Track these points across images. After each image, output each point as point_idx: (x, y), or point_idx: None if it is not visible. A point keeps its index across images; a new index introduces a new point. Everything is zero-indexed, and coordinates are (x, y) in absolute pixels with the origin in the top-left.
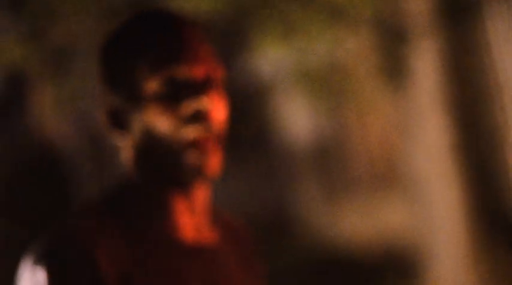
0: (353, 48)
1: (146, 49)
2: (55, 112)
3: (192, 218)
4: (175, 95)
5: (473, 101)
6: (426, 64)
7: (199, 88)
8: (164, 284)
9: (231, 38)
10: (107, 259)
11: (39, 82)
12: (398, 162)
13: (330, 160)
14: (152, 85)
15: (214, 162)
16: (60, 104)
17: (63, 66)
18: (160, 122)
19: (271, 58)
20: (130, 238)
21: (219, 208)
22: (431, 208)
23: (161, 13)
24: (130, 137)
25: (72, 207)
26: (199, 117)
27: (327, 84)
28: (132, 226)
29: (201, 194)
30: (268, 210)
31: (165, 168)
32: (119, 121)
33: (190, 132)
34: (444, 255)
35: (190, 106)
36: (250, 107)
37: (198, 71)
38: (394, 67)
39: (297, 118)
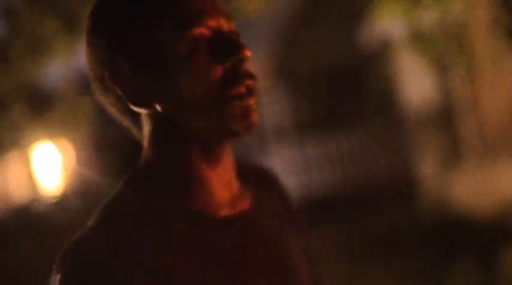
0: (472, 4)
1: (172, 7)
2: None
3: (226, 190)
4: (216, 50)
5: None
6: None
7: (237, 40)
8: (204, 269)
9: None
10: (129, 262)
11: None
12: None
13: (452, 123)
14: (188, 44)
15: (257, 115)
16: None
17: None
18: (206, 80)
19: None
20: (160, 232)
21: (241, 158)
22: None
23: None
24: (155, 111)
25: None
26: (243, 72)
27: (445, 44)
28: (166, 215)
29: (230, 161)
30: (390, 172)
31: (216, 125)
32: (144, 93)
33: (237, 86)
34: None
35: (235, 60)
36: (374, 66)
37: (228, 25)
38: None
39: (419, 80)
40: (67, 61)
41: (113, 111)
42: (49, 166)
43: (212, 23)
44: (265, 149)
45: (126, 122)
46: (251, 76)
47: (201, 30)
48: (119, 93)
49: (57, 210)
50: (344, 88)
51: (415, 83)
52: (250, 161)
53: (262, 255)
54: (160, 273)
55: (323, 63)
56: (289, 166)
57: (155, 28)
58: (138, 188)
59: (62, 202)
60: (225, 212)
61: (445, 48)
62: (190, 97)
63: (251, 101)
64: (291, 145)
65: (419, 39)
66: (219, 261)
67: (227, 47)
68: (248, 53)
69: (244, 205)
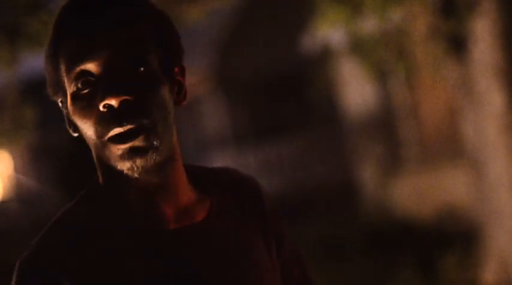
0: (412, 11)
1: (61, 44)
2: None
3: (170, 202)
4: (90, 93)
5: None
6: (486, 27)
7: (106, 81)
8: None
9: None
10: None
11: None
12: (461, 128)
13: (392, 129)
14: (72, 84)
15: (139, 158)
16: None
17: None
18: (85, 123)
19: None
20: (110, 244)
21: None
22: (491, 179)
23: None
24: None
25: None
26: (116, 115)
27: (385, 51)
28: (107, 229)
29: (172, 179)
30: (331, 178)
31: (108, 166)
32: (70, 126)
33: (110, 130)
34: (500, 225)
35: (105, 105)
36: (315, 74)
37: (110, 62)
38: (454, 29)
39: (360, 87)
40: (9, 71)
41: None
42: None
43: (92, 64)
44: (205, 157)
45: None
46: (120, 121)
47: (79, 72)
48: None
49: None
50: (284, 95)
51: (356, 90)
52: (232, 173)
53: (209, 268)
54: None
55: (263, 71)
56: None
57: (59, 64)
58: (84, 206)
59: (1, 208)
60: (171, 226)
61: (385, 55)
62: (85, 137)
63: (123, 147)
64: (231, 153)
65: (360, 47)
66: (164, 273)
67: (99, 90)
68: (110, 100)
69: (197, 217)
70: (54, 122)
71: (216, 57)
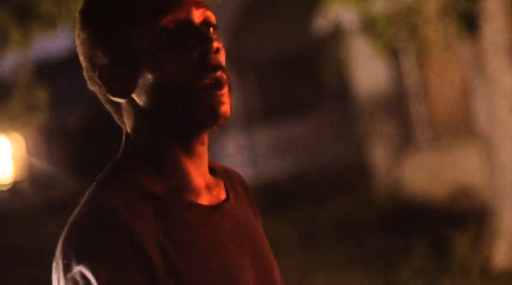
0: None
1: (142, 1)
2: None
3: (202, 178)
4: (183, 42)
5: None
6: (497, 6)
7: (208, 31)
8: (199, 253)
9: None
10: (144, 231)
11: None
12: (472, 108)
13: (404, 109)
14: (156, 37)
15: (230, 105)
16: None
17: None
18: (174, 72)
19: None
20: (155, 209)
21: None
22: (502, 158)
23: None
24: (132, 101)
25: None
26: (209, 63)
27: (396, 30)
28: (154, 196)
29: (205, 151)
30: (343, 158)
31: (185, 116)
32: (121, 84)
33: (208, 77)
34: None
35: (202, 52)
36: (326, 54)
37: (203, 15)
38: (465, 8)
39: (371, 67)
40: (22, 53)
41: (100, 97)
42: (0, 157)
43: (181, 14)
44: (216, 137)
45: (109, 109)
46: (218, 68)
47: (167, 23)
48: (100, 84)
49: (10, 197)
50: (296, 76)
51: (367, 70)
52: (215, 162)
53: (249, 243)
54: (172, 244)
55: (275, 52)
56: (242, 154)
57: (127, 23)
58: (125, 170)
59: (14, 189)
60: (205, 199)
61: (396, 34)
62: (159, 90)
63: (219, 93)
64: (242, 133)
65: (371, 26)
66: (222, 241)
67: (193, 39)
68: (215, 45)
69: (222, 195)
70: (66, 104)
71: (228, 37)
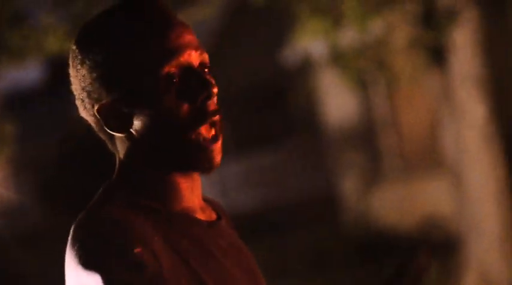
0: (392, 23)
1: (146, 43)
2: None
3: (197, 200)
4: (186, 87)
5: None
6: (466, 38)
7: (208, 75)
8: (214, 264)
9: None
10: (161, 249)
11: None
12: (441, 139)
13: (373, 140)
14: (159, 81)
15: (220, 157)
16: None
17: None
18: (175, 115)
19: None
20: (155, 222)
21: None
22: (471, 190)
23: None
24: (129, 134)
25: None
26: (209, 109)
27: (365, 62)
28: (154, 211)
29: (199, 176)
30: (312, 189)
31: (181, 160)
32: (120, 121)
33: (208, 121)
34: (481, 235)
35: (206, 97)
36: (296, 85)
37: (200, 57)
38: (434, 40)
39: (341, 98)
40: None
41: (94, 127)
42: None
43: (183, 59)
44: None
45: (102, 138)
46: (217, 112)
47: (171, 69)
48: (97, 117)
49: None
50: (266, 107)
51: (337, 101)
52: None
53: (242, 261)
54: (179, 251)
55: (244, 82)
56: (212, 186)
57: (132, 66)
58: (122, 190)
59: None
60: (202, 217)
61: (365, 66)
62: (158, 131)
63: (216, 146)
64: None
65: (340, 58)
66: (219, 257)
67: (196, 83)
68: (215, 90)
69: (213, 216)
70: (33, 136)
71: None
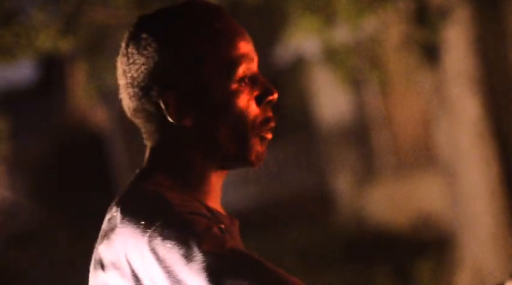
0: (385, 21)
1: (233, 38)
2: (89, 91)
3: (219, 201)
4: (253, 91)
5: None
6: (459, 35)
7: (269, 84)
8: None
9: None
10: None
11: (75, 63)
12: (434, 137)
13: (366, 137)
14: (231, 82)
15: None
16: (92, 81)
17: (98, 44)
18: (239, 118)
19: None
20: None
21: None
22: (465, 187)
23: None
24: (183, 127)
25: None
26: (271, 112)
27: (358, 60)
28: (202, 205)
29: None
30: (306, 187)
31: (235, 157)
32: (187, 111)
33: (269, 127)
34: (474, 233)
35: (267, 102)
36: (289, 83)
37: (257, 62)
38: (427, 38)
39: (334, 96)
40: None
41: (131, 110)
42: None
43: (252, 65)
44: None
45: (140, 123)
46: (273, 118)
47: (244, 72)
48: (161, 105)
49: None
50: None
51: (330, 99)
52: None
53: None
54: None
55: None
56: None
57: (211, 58)
58: (160, 177)
59: None
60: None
61: (358, 64)
62: (218, 130)
63: (266, 144)
64: None
65: (333, 56)
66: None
67: (264, 88)
68: (276, 96)
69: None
70: (25, 134)
71: None
